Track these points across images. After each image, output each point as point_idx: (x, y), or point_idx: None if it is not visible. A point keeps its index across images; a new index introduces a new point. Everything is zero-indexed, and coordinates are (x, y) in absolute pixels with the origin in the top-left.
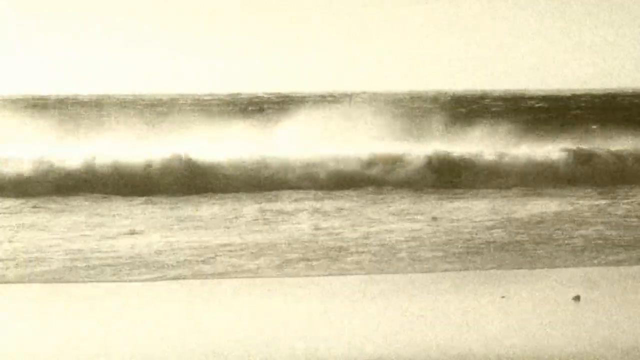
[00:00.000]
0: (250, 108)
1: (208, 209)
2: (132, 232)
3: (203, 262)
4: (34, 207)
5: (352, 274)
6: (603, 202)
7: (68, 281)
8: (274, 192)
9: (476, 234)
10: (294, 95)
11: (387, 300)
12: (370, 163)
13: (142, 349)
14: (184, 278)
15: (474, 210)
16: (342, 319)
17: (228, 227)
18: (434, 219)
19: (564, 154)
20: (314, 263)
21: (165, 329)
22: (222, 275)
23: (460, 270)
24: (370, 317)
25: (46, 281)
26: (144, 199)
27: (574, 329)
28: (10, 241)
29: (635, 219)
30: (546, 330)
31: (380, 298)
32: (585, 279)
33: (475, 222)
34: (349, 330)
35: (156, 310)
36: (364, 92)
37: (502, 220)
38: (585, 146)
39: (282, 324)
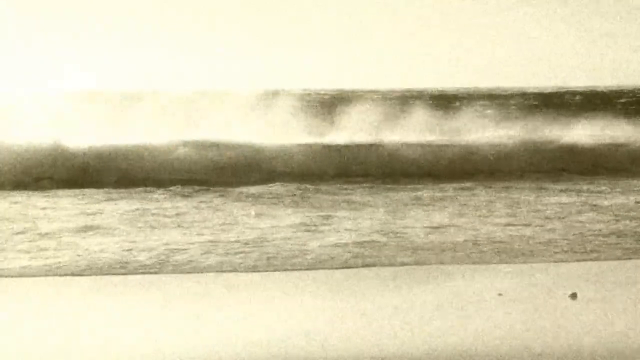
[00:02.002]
0: None
1: None
2: None
3: None
4: None
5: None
6: None
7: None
8: None
9: None
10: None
11: (380, 294)
12: None
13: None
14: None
15: None
16: (335, 315)
17: None
18: None
19: None
20: None
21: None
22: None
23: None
24: (365, 312)
25: None
26: None
27: (571, 326)
28: None
29: None
30: (543, 327)
31: (371, 292)
32: (582, 276)
33: None
34: (341, 326)
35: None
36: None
37: None
38: None
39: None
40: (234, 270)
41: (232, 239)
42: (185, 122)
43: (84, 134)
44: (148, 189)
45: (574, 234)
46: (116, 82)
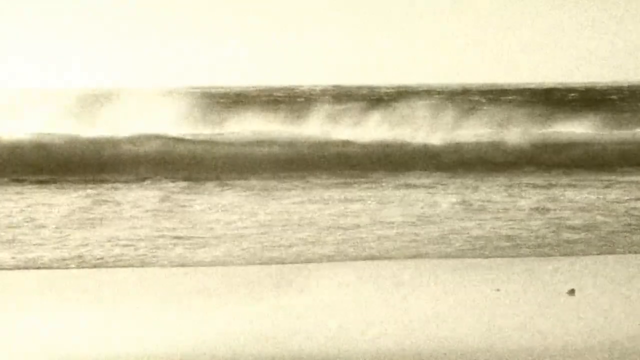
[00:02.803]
0: None
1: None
2: None
3: None
4: None
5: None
6: None
7: None
8: None
9: None
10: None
11: (379, 290)
12: None
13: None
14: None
15: None
16: (334, 309)
17: None
18: None
19: None
20: None
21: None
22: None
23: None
24: (362, 308)
25: None
26: None
27: (568, 322)
28: None
29: None
30: (540, 323)
31: (371, 288)
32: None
33: None
34: (339, 321)
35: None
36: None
37: None
38: None
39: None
40: None
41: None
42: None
43: None
44: None
45: (540, 229)
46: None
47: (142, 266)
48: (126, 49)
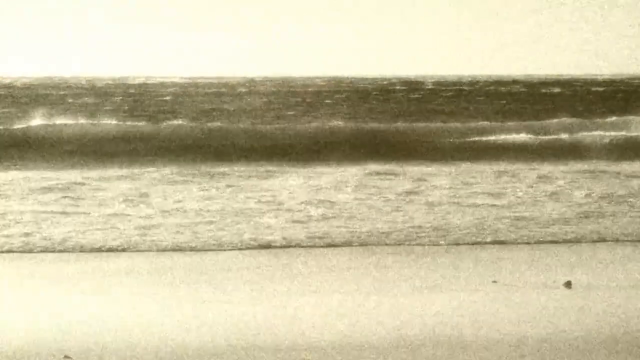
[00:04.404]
0: None
1: None
2: None
3: None
4: None
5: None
6: None
7: None
8: None
9: None
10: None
11: (375, 279)
12: None
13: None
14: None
15: None
16: (324, 301)
17: None
18: None
19: None
20: None
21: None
22: None
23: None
24: (358, 299)
25: None
26: None
27: (565, 314)
28: None
29: None
30: (537, 314)
31: (366, 278)
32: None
33: None
34: (335, 312)
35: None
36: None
37: None
38: None
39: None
40: None
41: None
42: None
43: None
44: None
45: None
46: None
47: None
48: (125, 41)
